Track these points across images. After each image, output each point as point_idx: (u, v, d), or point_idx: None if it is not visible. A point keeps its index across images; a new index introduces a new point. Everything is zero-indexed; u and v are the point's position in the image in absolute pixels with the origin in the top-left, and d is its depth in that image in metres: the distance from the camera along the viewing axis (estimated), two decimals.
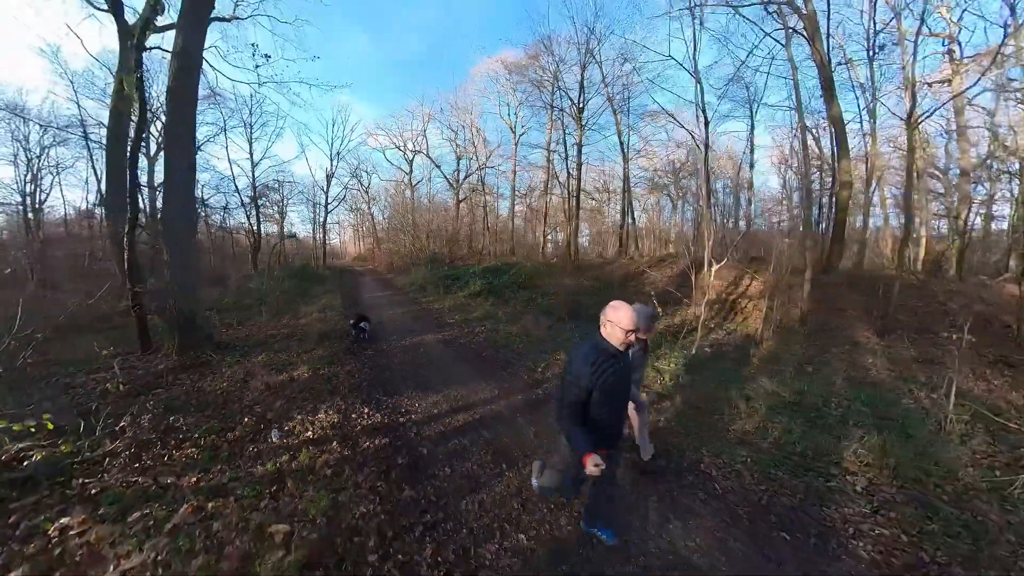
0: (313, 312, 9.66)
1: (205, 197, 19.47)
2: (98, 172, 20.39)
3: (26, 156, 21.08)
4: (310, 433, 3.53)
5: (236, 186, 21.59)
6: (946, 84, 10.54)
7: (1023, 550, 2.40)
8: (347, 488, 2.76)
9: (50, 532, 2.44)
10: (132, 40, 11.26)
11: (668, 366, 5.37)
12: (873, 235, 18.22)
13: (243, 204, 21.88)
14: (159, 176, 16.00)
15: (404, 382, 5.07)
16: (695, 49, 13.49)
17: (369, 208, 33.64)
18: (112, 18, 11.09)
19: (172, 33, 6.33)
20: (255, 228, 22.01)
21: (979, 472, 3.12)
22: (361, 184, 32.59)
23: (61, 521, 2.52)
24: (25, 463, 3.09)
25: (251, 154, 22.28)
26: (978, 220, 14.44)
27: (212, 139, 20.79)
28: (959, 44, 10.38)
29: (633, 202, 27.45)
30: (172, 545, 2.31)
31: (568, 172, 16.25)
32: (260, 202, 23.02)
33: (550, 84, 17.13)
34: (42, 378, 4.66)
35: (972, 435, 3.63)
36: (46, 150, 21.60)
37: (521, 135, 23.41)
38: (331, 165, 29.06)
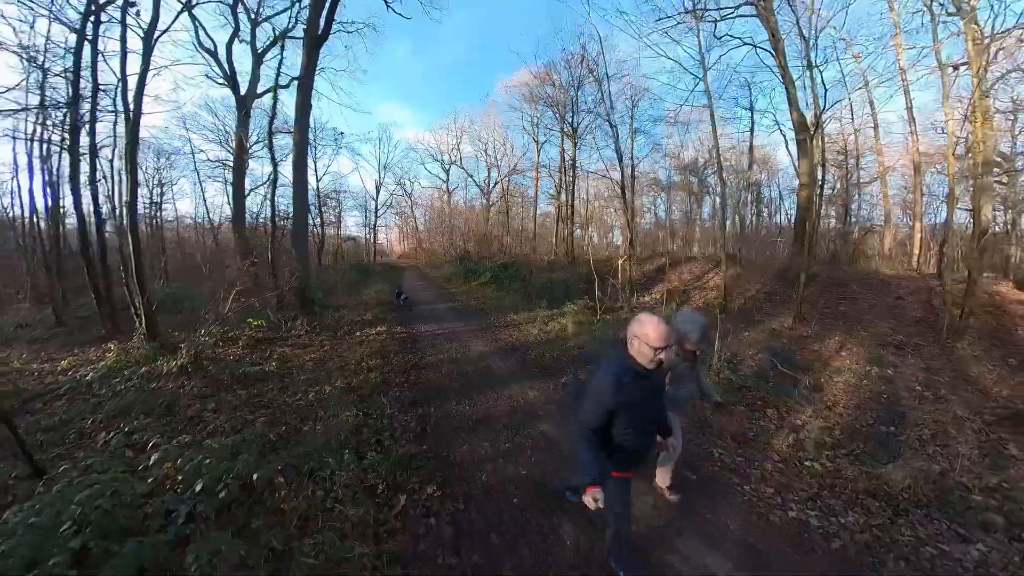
0: (370, 292, 14.21)
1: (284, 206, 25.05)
2: (202, 186, 26.60)
3: (150, 178, 27.63)
4: (374, 333, 7.88)
5: (274, 169, 26.89)
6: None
7: None
8: (387, 343, 7.09)
9: (279, 351, 6.82)
10: (248, 104, 16.41)
11: (569, 322, 9.22)
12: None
13: (310, 211, 27.30)
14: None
15: (419, 321, 9.39)
16: (609, 97, 16.55)
17: (412, 212, 38.75)
18: (231, 89, 16.20)
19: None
20: (320, 231, 27.38)
21: None
22: (405, 191, 37.78)
23: (282, 349, 6.90)
24: (256, 336, 7.54)
25: (315, 171, 27.61)
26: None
27: (285, 159, 26.39)
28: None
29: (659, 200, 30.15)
30: (324, 352, 6.62)
31: (564, 185, 19.99)
32: (323, 209, 28.36)
33: (552, 104, 20.75)
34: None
35: (732, 371, 5.45)
36: (159, 172, 28.09)
37: (543, 143, 26.96)
38: (379, 176, 34.37)
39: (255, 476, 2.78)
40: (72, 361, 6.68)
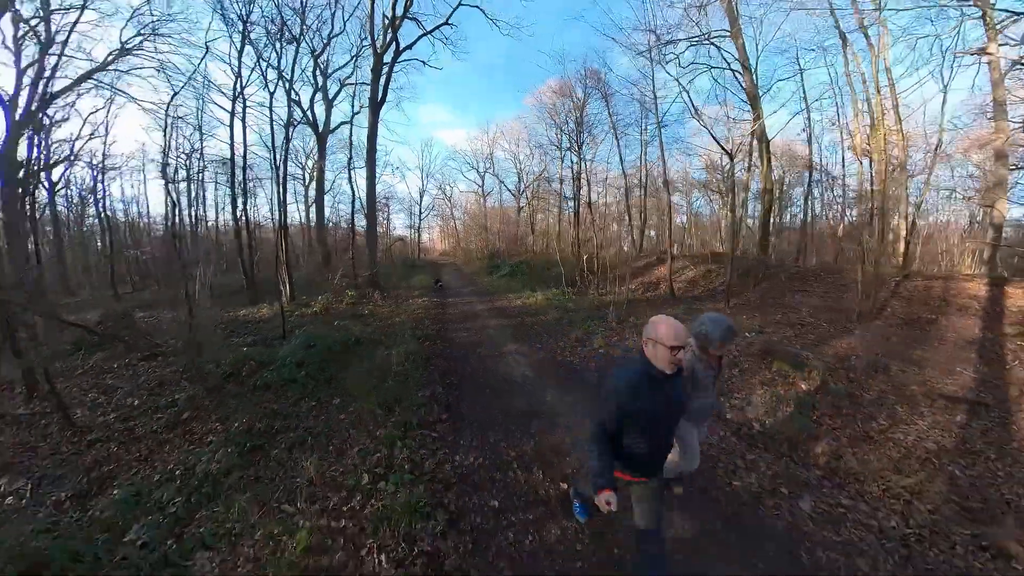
0: (416, 280, 19.16)
1: (344, 213, 30.86)
2: (279, 196, 32.74)
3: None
4: (420, 301, 12.64)
5: (362, 203, 32.66)
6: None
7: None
8: (428, 305, 11.93)
9: (367, 307, 11.66)
10: (324, 139, 21.72)
11: (540, 298, 13.48)
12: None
13: (354, 208, 32.91)
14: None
15: (449, 297, 14.16)
16: (610, 115, 20.36)
17: (452, 213, 43.86)
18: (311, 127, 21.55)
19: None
20: (365, 229, 32.93)
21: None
22: (445, 194, 42.92)
23: (370, 306, 11.74)
24: (351, 301, 12.42)
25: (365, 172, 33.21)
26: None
27: (341, 171, 32.17)
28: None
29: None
30: (392, 308, 11.40)
31: (574, 194, 24.02)
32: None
33: (562, 123, 24.84)
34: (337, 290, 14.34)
35: (625, 332, 10.77)
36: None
37: (566, 151, 30.75)
38: (422, 183, 39.74)
39: (372, 333, 7.46)
40: (246, 312, 11.75)
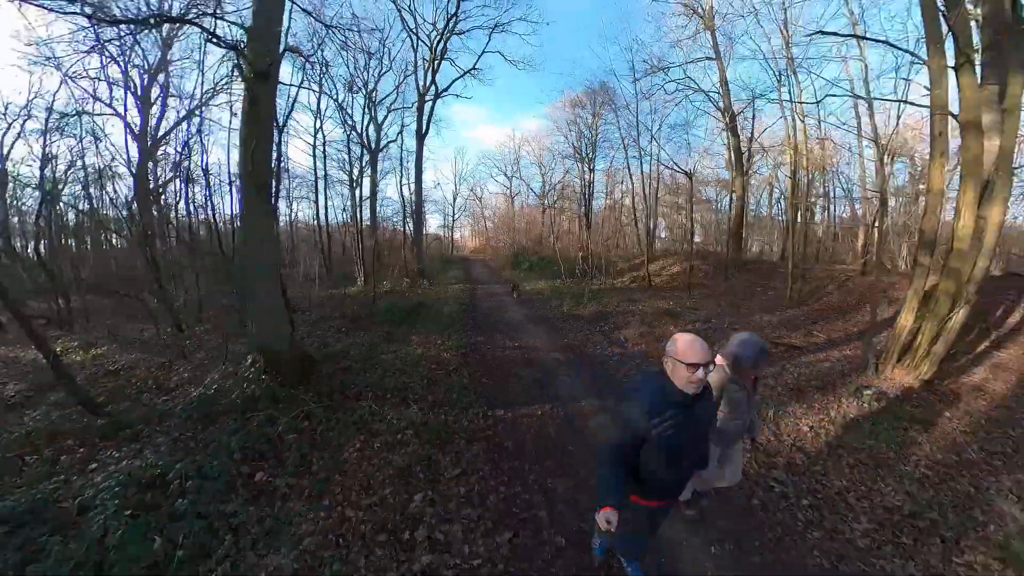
0: (451, 274, 23.95)
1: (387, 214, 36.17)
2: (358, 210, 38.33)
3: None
4: (457, 287, 17.37)
5: (403, 205, 37.79)
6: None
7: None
8: (464, 288, 16.69)
9: (419, 291, 16.46)
10: (375, 156, 26.81)
11: (544, 284, 17.80)
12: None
13: (405, 216, 37.98)
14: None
15: (477, 282, 18.78)
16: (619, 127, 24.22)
17: (482, 214, 48.21)
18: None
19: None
20: (412, 231, 37.97)
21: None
22: (476, 195, 46.78)
23: (420, 290, 16.53)
24: (407, 286, 17.23)
25: (410, 186, 38.11)
26: None
27: (386, 175, 37.33)
28: None
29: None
30: (438, 290, 16.14)
31: (585, 201, 28.13)
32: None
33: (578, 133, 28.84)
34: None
35: (597, 300, 15.00)
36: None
37: (582, 159, 34.54)
38: (455, 187, 44.61)
39: (429, 302, 12.16)
40: (333, 291, 16.67)
